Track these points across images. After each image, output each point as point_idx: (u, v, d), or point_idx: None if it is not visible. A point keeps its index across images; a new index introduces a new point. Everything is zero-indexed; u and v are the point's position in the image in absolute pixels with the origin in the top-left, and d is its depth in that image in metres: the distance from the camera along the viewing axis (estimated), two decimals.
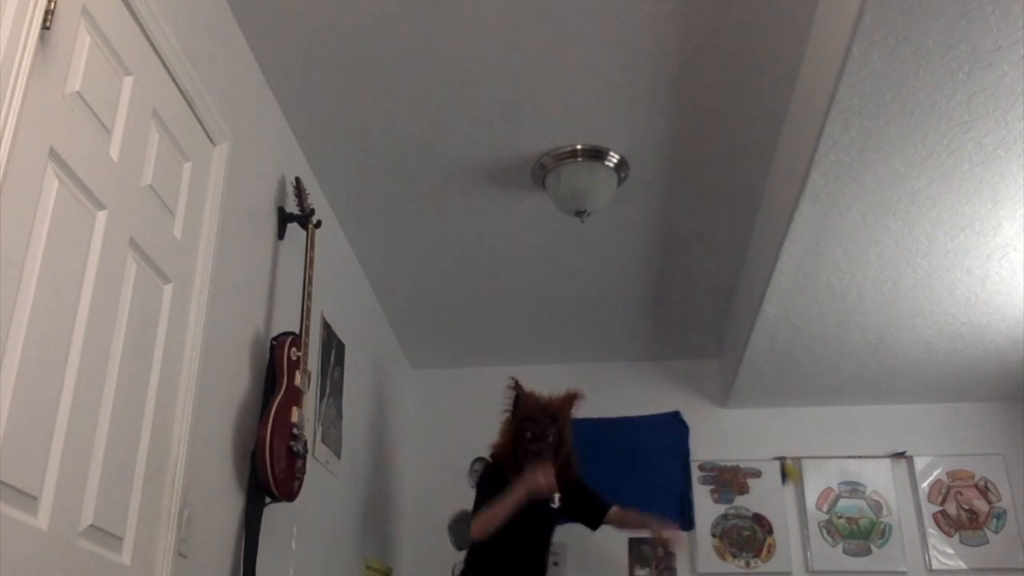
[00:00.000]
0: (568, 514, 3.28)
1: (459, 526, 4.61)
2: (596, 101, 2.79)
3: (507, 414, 3.25)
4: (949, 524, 4.41)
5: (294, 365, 2.50)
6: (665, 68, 2.63)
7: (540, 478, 2.92)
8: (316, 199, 3.08)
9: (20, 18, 1.44)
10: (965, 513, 4.43)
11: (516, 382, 3.27)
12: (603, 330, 4.54)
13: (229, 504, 2.30)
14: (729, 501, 4.56)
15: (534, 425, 3.14)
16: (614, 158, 3.06)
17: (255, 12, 2.44)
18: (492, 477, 3.15)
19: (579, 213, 3.12)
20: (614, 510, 3.32)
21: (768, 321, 3.61)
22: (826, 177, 2.65)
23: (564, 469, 3.14)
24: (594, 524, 3.35)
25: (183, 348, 2.08)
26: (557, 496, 3.02)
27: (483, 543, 3.03)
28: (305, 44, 2.55)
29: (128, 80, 1.84)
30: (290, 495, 2.47)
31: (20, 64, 1.43)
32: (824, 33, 2.33)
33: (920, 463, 4.53)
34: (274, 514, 2.52)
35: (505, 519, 2.93)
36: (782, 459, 4.61)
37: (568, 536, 4.52)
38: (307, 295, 2.69)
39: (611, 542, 4.51)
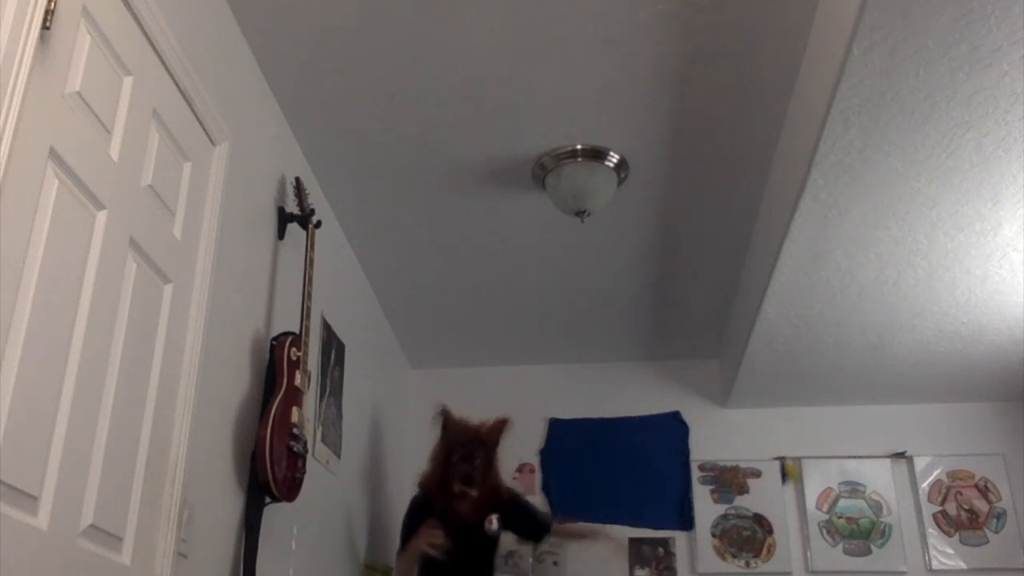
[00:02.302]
0: (511, 530, 3.43)
1: None
2: (596, 101, 2.79)
3: (437, 441, 3.34)
4: (949, 524, 4.41)
5: (294, 365, 2.50)
6: (665, 68, 2.63)
7: (423, 541, 3.05)
8: (316, 199, 3.08)
9: (20, 18, 1.44)
10: (965, 513, 4.43)
11: (444, 408, 3.36)
12: (603, 330, 4.54)
13: (229, 504, 2.30)
14: (729, 501, 4.56)
15: (461, 448, 3.23)
16: (614, 158, 3.06)
17: (255, 12, 2.44)
18: (413, 514, 3.30)
19: (579, 213, 3.12)
20: (555, 527, 3.54)
21: (768, 321, 3.61)
22: (826, 177, 2.65)
23: (493, 493, 3.24)
24: (537, 538, 3.59)
25: (183, 348, 2.08)
26: (495, 518, 3.23)
27: (426, 569, 3.17)
28: (305, 44, 2.55)
29: (128, 80, 1.84)
30: (290, 495, 2.46)
31: (20, 64, 1.43)
32: (824, 33, 2.33)
33: (920, 463, 4.53)
34: (274, 514, 2.52)
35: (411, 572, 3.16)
36: (782, 459, 4.61)
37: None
38: (307, 295, 2.68)
39: None
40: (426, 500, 3.28)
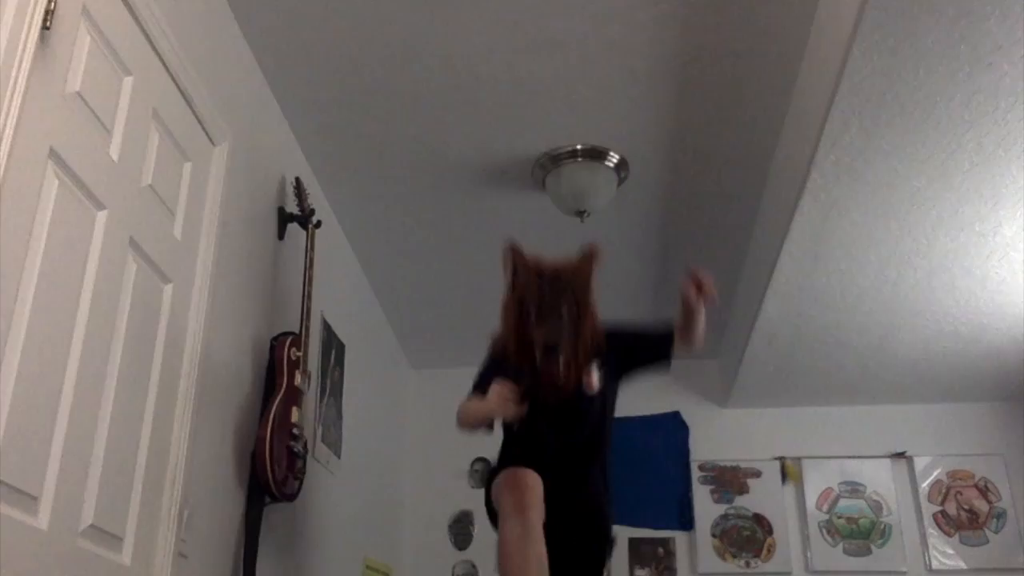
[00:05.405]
0: (630, 369, 2.61)
1: (459, 526, 4.61)
2: (596, 101, 2.79)
3: (507, 291, 2.42)
4: (949, 524, 4.41)
5: (294, 365, 2.50)
6: (665, 68, 2.63)
7: (495, 403, 2.21)
8: (316, 199, 3.08)
9: (20, 18, 1.44)
10: (965, 513, 4.43)
11: (513, 246, 2.38)
12: None
13: (229, 504, 2.30)
14: (729, 501, 4.56)
15: (536, 300, 2.32)
16: (614, 158, 3.06)
17: (255, 12, 2.44)
18: (492, 361, 2.56)
19: (579, 213, 3.13)
20: (676, 333, 2.53)
21: (768, 321, 3.61)
22: (826, 177, 2.65)
23: (593, 345, 2.38)
24: (666, 355, 2.59)
25: (183, 348, 2.08)
26: (594, 373, 2.39)
27: (513, 437, 2.44)
28: (305, 44, 2.55)
29: (128, 80, 1.84)
30: (290, 495, 2.47)
31: (20, 64, 1.43)
32: (824, 33, 2.33)
33: (920, 463, 4.53)
34: (274, 514, 2.52)
35: (475, 430, 2.35)
36: (782, 459, 4.61)
37: None
38: (307, 295, 2.68)
39: None
40: (504, 362, 2.45)
